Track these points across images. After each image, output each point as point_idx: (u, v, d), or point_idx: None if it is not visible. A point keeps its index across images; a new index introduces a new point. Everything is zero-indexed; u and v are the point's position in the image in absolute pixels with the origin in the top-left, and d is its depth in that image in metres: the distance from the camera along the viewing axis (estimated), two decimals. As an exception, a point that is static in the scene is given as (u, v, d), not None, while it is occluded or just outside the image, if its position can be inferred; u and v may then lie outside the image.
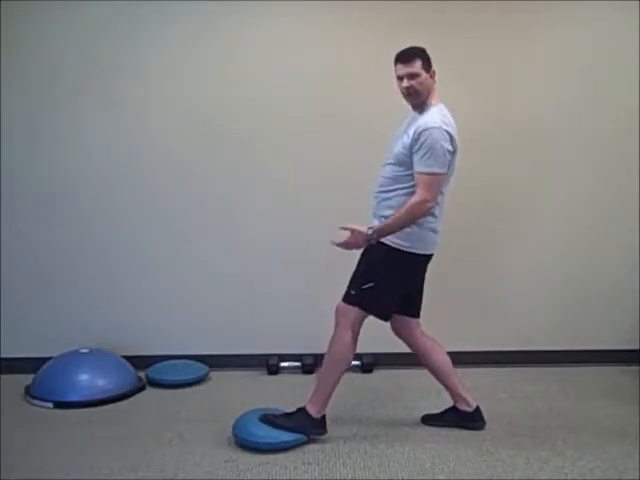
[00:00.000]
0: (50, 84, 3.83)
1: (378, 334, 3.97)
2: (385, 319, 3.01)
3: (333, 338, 2.96)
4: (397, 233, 2.83)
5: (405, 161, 2.84)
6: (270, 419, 2.94)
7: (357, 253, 3.92)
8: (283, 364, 3.94)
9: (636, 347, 4.05)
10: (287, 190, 3.94)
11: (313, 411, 2.94)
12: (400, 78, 2.88)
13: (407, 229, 2.83)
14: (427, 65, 2.86)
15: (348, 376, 3.84)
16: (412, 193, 2.81)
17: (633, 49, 3.91)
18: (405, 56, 2.87)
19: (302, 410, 2.95)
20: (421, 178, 2.78)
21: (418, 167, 2.78)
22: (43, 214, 3.90)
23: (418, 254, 2.91)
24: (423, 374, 3.62)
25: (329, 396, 2.97)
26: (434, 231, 2.92)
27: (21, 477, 2.65)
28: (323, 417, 2.96)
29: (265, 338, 3.98)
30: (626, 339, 4.07)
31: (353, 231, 2.86)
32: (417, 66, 2.84)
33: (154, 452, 2.87)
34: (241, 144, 3.91)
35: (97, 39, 3.82)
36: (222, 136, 3.90)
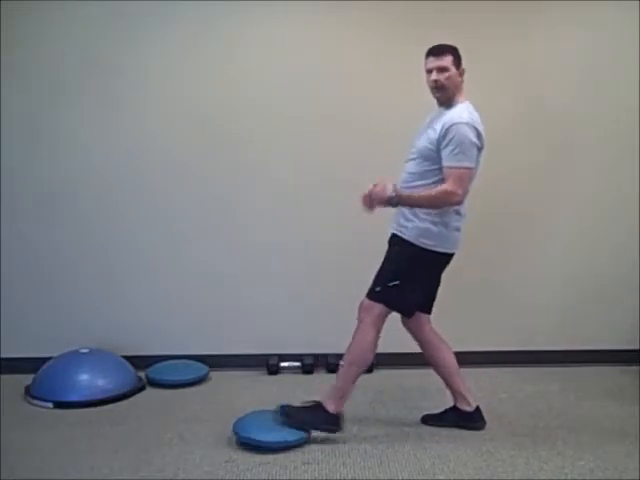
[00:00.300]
0: (50, 84, 3.83)
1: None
2: (409, 316, 3.03)
3: (356, 335, 2.97)
4: (424, 232, 2.85)
5: (431, 156, 2.84)
6: (287, 410, 2.94)
7: (358, 254, 3.95)
8: (283, 364, 3.93)
9: (636, 347, 4.05)
10: (287, 190, 3.94)
11: (331, 407, 2.94)
12: (429, 71, 2.90)
13: (433, 228, 2.85)
14: (457, 62, 2.89)
15: (348, 376, 3.85)
16: (434, 188, 2.81)
17: (633, 49, 3.91)
18: (437, 50, 2.89)
19: (319, 404, 2.96)
20: (451, 172, 2.78)
21: (448, 162, 2.78)
22: (43, 214, 3.90)
23: (443, 253, 2.92)
24: (423, 374, 3.63)
25: (348, 393, 2.97)
26: (458, 230, 2.94)
27: (21, 477, 2.65)
28: (339, 414, 2.96)
29: (265, 338, 3.98)
30: (626, 339, 4.07)
31: (378, 184, 2.84)
32: (447, 61, 2.86)
33: (154, 452, 2.87)
34: (241, 144, 3.91)
35: (97, 39, 3.82)
36: (222, 136, 3.90)
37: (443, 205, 2.82)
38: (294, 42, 3.88)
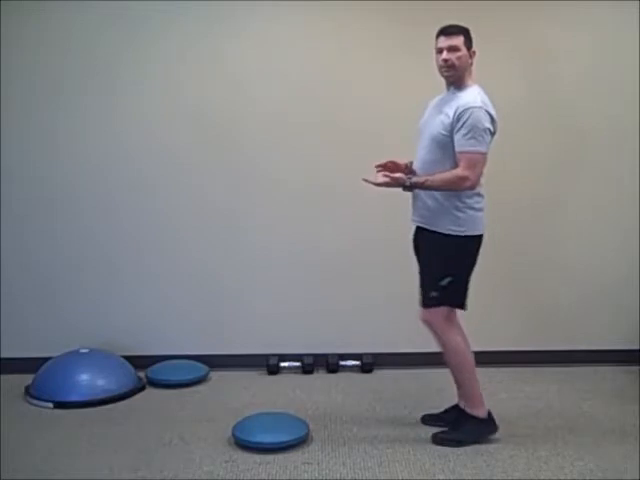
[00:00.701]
0: (50, 84, 3.83)
1: (378, 334, 4.00)
2: (464, 308, 2.99)
3: (441, 345, 2.95)
4: (453, 221, 2.83)
5: (446, 142, 2.81)
6: (442, 438, 2.94)
7: (358, 255, 3.95)
8: (283, 364, 3.93)
9: (636, 347, 4.05)
10: (288, 190, 3.94)
11: (478, 412, 2.94)
12: (440, 51, 2.87)
13: (461, 214, 2.83)
14: (469, 43, 2.87)
15: (348, 376, 3.87)
16: None
17: (633, 49, 3.91)
18: (449, 29, 2.87)
19: (469, 417, 2.95)
20: (464, 157, 2.76)
21: (460, 146, 2.76)
22: (43, 214, 3.89)
23: (475, 235, 2.90)
24: (423, 374, 3.64)
25: (480, 392, 2.96)
26: (482, 210, 2.91)
27: (21, 477, 2.65)
28: (490, 414, 2.97)
29: (265, 338, 3.98)
30: (626, 339, 4.07)
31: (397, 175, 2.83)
32: (459, 40, 2.84)
33: (154, 452, 2.87)
34: (241, 145, 3.91)
35: (97, 39, 3.82)
36: (222, 137, 3.90)
37: (456, 189, 2.79)
38: (294, 42, 3.88)
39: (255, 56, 3.88)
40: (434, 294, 2.90)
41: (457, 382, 3.02)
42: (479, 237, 2.92)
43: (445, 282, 2.87)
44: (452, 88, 2.91)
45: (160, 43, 3.85)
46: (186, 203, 3.94)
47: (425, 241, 2.96)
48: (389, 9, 3.82)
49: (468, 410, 2.97)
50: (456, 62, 2.83)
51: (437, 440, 2.96)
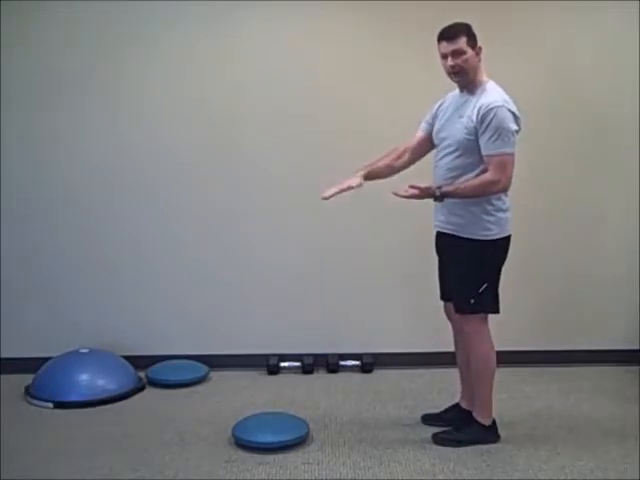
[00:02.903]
0: (50, 84, 3.83)
1: (378, 334, 4.00)
2: (499, 312, 2.94)
3: (471, 349, 2.91)
4: (483, 225, 2.78)
5: (470, 147, 2.73)
6: (443, 438, 2.95)
7: (358, 255, 3.95)
8: (283, 364, 3.93)
9: (636, 347, 4.05)
10: (288, 190, 3.94)
11: (484, 419, 2.93)
12: (444, 56, 2.76)
13: (489, 218, 2.78)
14: (473, 42, 2.74)
15: (348, 376, 3.88)
16: None
17: (633, 49, 3.91)
18: (449, 33, 2.74)
19: (474, 422, 2.94)
20: (493, 160, 2.68)
21: (487, 150, 2.68)
22: (43, 214, 3.89)
23: (504, 237, 2.86)
24: (423, 374, 3.64)
25: (491, 400, 2.94)
26: (509, 210, 2.87)
27: (21, 477, 2.65)
28: (494, 422, 2.96)
29: (265, 338, 3.98)
30: (626, 339, 4.07)
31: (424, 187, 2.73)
32: (462, 43, 2.72)
33: (154, 452, 2.87)
34: (241, 144, 3.91)
35: (97, 39, 3.82)
36: (222, 137, 3.90)
37: (488, 194, 2.73)
38: (294, 42, 3.88)
39: (255, 56, 3.88)
40: (473, 301, 2.84)
41: (473, 387, 2.97)
42: (509, 237, 2.90)
43: (482, 288, 2.83)
44: (466, 91, 2.83)
45: (160, 43, 3.85)
46: (186, 203, 3.94)
47: (456, 248, 2.87)
48: (389, 9, 3.82)
49: (475, 415, 2.96)
50: (464, 66, 2.73)
51: (438, 440, 2.96)
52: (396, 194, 2.73)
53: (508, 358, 3.98)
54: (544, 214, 4.02)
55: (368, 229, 3.94)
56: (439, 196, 2.75)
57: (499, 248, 2.86)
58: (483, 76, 2.81)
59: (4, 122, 3.83)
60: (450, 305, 3.01)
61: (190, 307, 3.98)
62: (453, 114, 2.85)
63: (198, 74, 3.88)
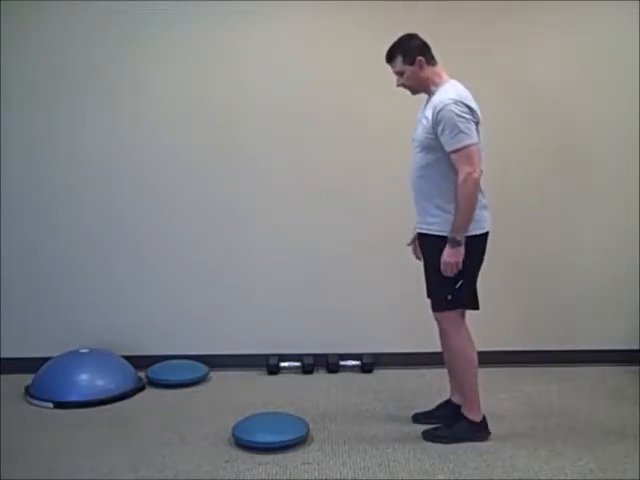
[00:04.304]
0: (50, 84, 3.83)
1: (378, 334, 4.00)
2: (477, 308, 2.99)
3: (453, 347, 2.96)
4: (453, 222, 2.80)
5: (432, 145, 2.81)
6: (434, 435, 2.96)
7: (358, 255, 3.95)
8: (283, 364, 3.93)
9: (636, 347, 4.05)
10: (288, 191, 3.94)
11: (473, 416, 2.95)
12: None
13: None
14: (409, 58, 2.85)
15: (348, 376, 3.88)
16: (449, 176, 2.79)
17: (633, 49, 3.91)
18: (387, 56, 2.92)
19: (463, 418, 2.96)
20: (457, 156, 2.74)
21: (449, 147, 2.74)
22: (43, 214, 3.90)
23: (479, 235, 2.88)
24: (423, 374, 3.64)
25: (478, 396, 2.96)
26: (486, 207, 2.89)
27: (21, 477, 2.65)
28: (484, 419, 2.97)
29: (265, 338, 3.98)
30: (626, 339, 4.07)
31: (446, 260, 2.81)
32: (398, 64, 2.88)
33: (154, 452, 2.87)
34: (241, 145, 3.91)
35: (97, 39, 3.82)
36: (222, 137, 3.90)
37: (473, 191, 2.74)
38: (294, 42, 3.88)
39: (255, 56, 3.88)
40: (449, 297, 2.88)
41: (458, 384, 3.02)
42: (485, 235, 2.91)
43: (458, 285, 2.86)
44: (427, 96, 2.94)
45: (160, 43, 3.85)
46: (186, 203, 3.94)
47: (432, 246, 2.90)
48: (389, 9, 3.82)
49: (464, 411, 2.97)
50: (407, 83, 2.91)
51: (428, 436, 2.97)
52: (446, 275, 2.82)
53: (508, 358, 4.00)
54: (545, 214, 4.02)
55: (368, 229, 3.94)
56: (457, 240, 2.78)
57: (474, 245, 2.86)
58: (440, 78, 2.89)
59: (4, 122, 3.83)
60: None
61: (190, 307, 3.98)
62: (419, 117, 2.95)
63: (198, 74, 3.88)
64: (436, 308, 2.95)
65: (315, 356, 3.94)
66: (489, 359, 3.97)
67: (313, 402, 3.45)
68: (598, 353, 4.05)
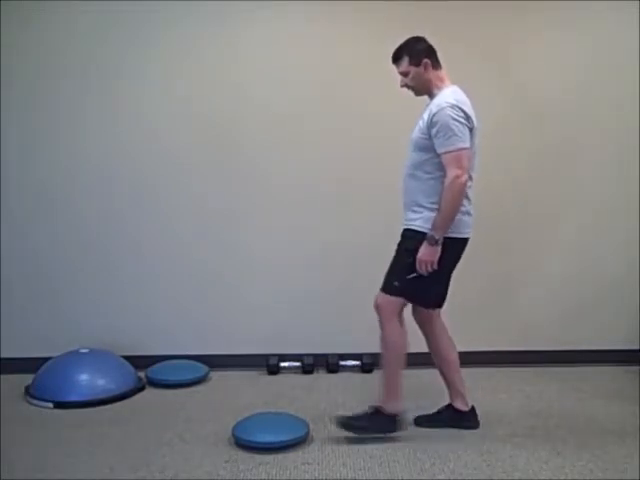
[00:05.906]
0: (50, 84, 3.83)
1: (378, 334, 3.99)
2: (429, 307, 3.03)
3: (383, 334, 2.99)
4: (433, 221, 2.81)
5: (425, 145, 2.84)
6: (346, 421, 2.97)
7: (359, 255, 3.95)
8: (283, 364, 3.94)
9: (636, 347, 4.05)
10: (288, 190, 3.94)
11: (389, 408, 2.96)
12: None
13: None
14: (415, 59, 2.89)
15: (348, 376, 3.87)
16: (437, 176, 2.82)
17: (633, 49, 3.91)
18: (394, 56, 2.95)
19: (378, 410, 2.97)
20: (447, 158, 2.77)
21: (441, 148, 2.78)
22: (43, 214, 3.90)
23: (457, 238, 2.89)
24: (423, 374, 3.63)
25: (399, 389, 2.98)
26: (469, 214, 2.91)
27: (21, 477, 2.65)
28: (397, 414, 2.98)
29: (265, 338, 3.98)
30: (626, 339, 4.07)
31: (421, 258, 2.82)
32: (404, 65, 2.91)
33: (154, 452, 2.87)
34: (241, 145, 3.91)
35: (97, 40, 3.82)
36: (222, 137, 3.90)
37: (459, 193, 2.76)
38: (294, 43, 3.89)
39: (255, 57, 3.88)
40: (396, 284, 2.92)
41: (389, 374, 3.00)
42: (462, 240, 2.93)
43: (411, 276, 2.88)
44: (428, 97, 2.97)
45: (160, 43, 3.86)
46: (186, 203, 3.94)
47: (408, 239, 2.93)
48: (389, 9, 3.83)
49: (381, 403, 2.98)
50: (410, 84, 2.94)
51: (340, 423, 2.97)
52: (420, 274, 2.84)
53: (508, 358, 4.00)
54: (545, 215, 4.02)
55: (368, 229, 3.94)
56: (435, 239, 2.79)
57: (451, 247, 2.87)
58: (442, 82, 2.93)
59: (4, 122, 3.83)
60: (417, 308, 3.08)
61: (190, 307, 3.98)
62: (418, 118, 2.97)
63: (198, 74, 3.88)
64: (382, 288, 2.98)
65: (315, 356, 3.94)
66: (489, 359, 3.99)
67: (313, 402, 3.45)
68: (598, 353, 4.05)
